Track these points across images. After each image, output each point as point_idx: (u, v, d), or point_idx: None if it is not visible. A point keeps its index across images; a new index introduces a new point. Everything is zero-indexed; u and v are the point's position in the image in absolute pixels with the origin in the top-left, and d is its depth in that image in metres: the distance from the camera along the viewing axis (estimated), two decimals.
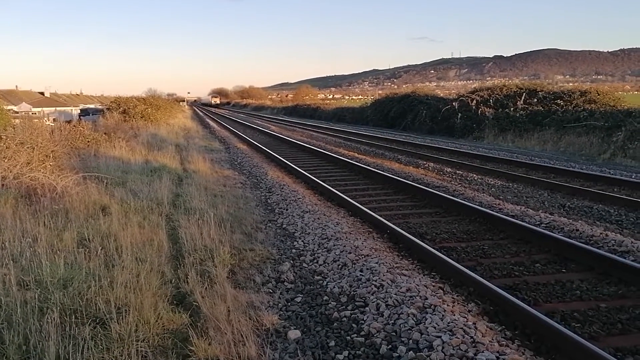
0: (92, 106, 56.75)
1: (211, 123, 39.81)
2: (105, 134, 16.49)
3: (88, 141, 14.33)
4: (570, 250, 5.58)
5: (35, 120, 16.87)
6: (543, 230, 6.26)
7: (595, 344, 3.58)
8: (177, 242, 6.07)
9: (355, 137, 23.09)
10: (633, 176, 10.99)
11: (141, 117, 25.88)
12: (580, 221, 7.11)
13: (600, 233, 6.28)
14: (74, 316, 3.78)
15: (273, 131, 27.30)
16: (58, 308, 3.86)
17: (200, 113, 69.08)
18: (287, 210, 8.19)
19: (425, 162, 13.79)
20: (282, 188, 9.97)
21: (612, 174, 11.19)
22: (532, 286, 4.86)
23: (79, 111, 47.05)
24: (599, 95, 20.74)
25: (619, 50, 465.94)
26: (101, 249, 5.19)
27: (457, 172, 12.06)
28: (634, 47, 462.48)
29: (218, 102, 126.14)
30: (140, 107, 27.82)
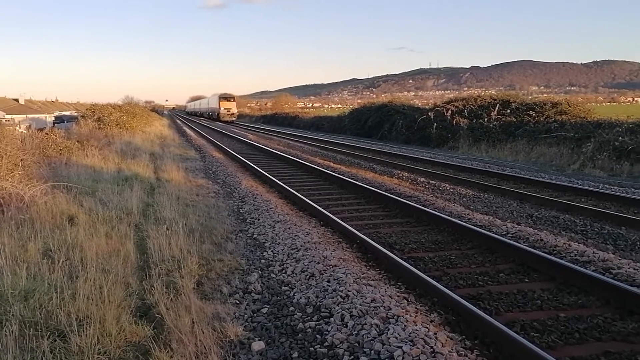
0: (67, 113, 56.00)
1: (188, 131, 39.55)
2: (78, 142, 16.28)
3: (60, 149, 14.13)
4: (533, 260, 5.70)
5: (7, 127, 16.57)
6: (508, 241, 6.38)
7: (552, 353, 3.66)
8: (144, 252, 6.02)
9: (331, 146, 23.19)
10: (600, 187, 11.26)
11: (116, 125, 25.60)
12: (545, 231, 7.26)
13: (564, 243, 6.43)
14: (33, 329, 3.74)
15: (250, 140, 27.26)
16: (18, 320, 3.81)
17: (179, 121, 69.46)
18: (258, 220, 8.19)
19: (399, 172, 13.92)
20: (255, 197, 9.97)
21: (580, 185, 11.45)
22: (495, 296, 4.95)
23: (53, 118, 46.37)
24: (569, 106, 21.26)
25: (592, 62, 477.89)
26: (66, 260, 5.13)
27: (431, 181, 12.21)
28: (607, 59, 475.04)
29: (233, 111, 63.48)
30: (116, 115, 27.53)
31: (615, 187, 11.22)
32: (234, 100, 64.57)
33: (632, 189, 11.02)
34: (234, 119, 62.58)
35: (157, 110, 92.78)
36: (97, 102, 35.67)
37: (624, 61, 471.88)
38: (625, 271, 5.36)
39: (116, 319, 3.94)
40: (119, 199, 8.46)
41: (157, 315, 4.22)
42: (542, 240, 6.62)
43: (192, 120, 74.64)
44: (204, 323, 4.16)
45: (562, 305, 4.71)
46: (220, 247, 6.55)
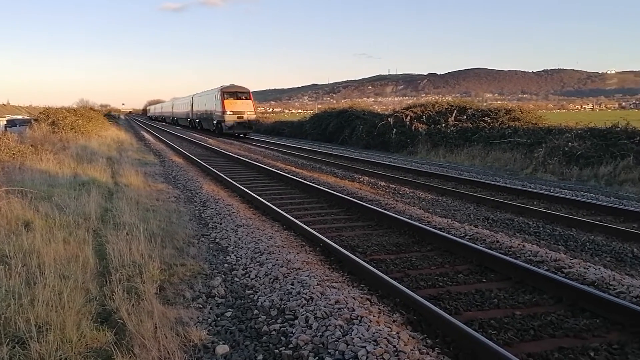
0: (19, 117, 53.95)
1: (146, 135, 38.80)
2: (32, 146, 15.74)
3: (13, 153, 13.63)
4: (490, 260, 5.90)
5: None
6: (466, 242, 6.58)
7: (509, 350, 3.81)
8: (104, 258, 5.90)
9: (293, 150, 23.23)
10: (551, 190, 11.72)
11: (71, 129, 24.87)
12: (501, 233, 7.52)
13: (519, 244, 6.67)
14: None
15: (210, 144, 26.98)
16: None
17: (135, 125, 66.90)
18: (221, 224, 8.14)
19: (360, 176, 14.08)
20: (217, 202, 9.90)
21: (533, 188, 11.88)
22: (454, 296, 5.10)
23: (4, 122, 44.71)
24: (522, 113, 22.05)
25: (542, 70, 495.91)
26: (22, 266, 4.97)
27: (391, 185, 12.41)
28: (557, 68, 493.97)
29: (249, 117, 35.06)
30: (71, 119, 26.75)
31: (566, 191, 11.69)
32: (248, 98, 35.43)
33: (581, 192, 11.52)
34: (249, 130, 35.12)
35: (112, 114, 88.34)
36: (51, 106, 34.66)
37: (573, 70, 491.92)
38: (576, 270, 5.62)
39: (76, 325, 3.86)
40: (76, 204, 8.24)
41: (118, 320, 4.15)
42: (498, 241, 6.85)
43: (152, 125, 70.23)
44: (167, 328, 4.12)
45: (517, 303, 4.90)
46: (182, 251, 6.48)
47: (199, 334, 4.15)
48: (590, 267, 5.72)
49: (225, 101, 34.51)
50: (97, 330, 3.97)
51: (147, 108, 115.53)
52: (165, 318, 4.32)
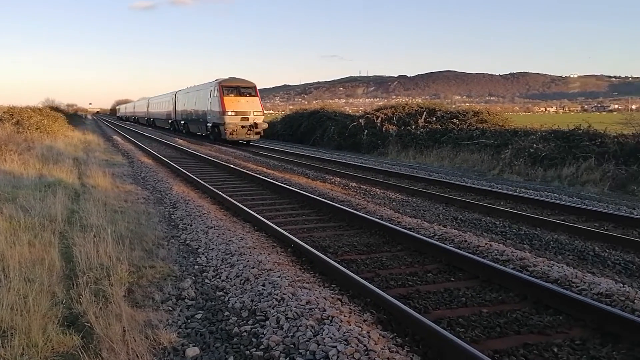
0: None
1: (114, 136, 38.09)
2: None
3: None
4: (459, 260, 6.02)
5: None
6: (436, 242, 6.69)
7: (476, 347, 3.90)
8: (71, 261, 5.78)
9: (264, 151, 23.16)
10: (517, 190, 12.00)
11: (36, 129, 24.23)
12: (469, 233, 7.66)
13: (486, 243, 6.82)
14: None
15: (180, 144, 26.65)
16: None
17: (103, 125, 65.69)
18: (191, 225, 8.07)
19: (332, 177, 14.14)
20: (187, 203, 9.80)
21: (500, 189, 12.14)
22: (423, 295, 5.18)
23: None
24: (489, 115, 22.50)
25: (509, 74, 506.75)
26: None
27: (362, 186, 12.51)
28: (522, 71, 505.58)
29: (257, 121, 26.74)
30: (36, 118, 26.06)
31: (531, 191, 11.99)
32: (254, 95, 27.70)
33: (546, 193, 11.83)
34: (256, 137, 27.29)
35: (78, 114, 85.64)
36: (15, 105, 33.66)
37: (538, 73, 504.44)
38: (540, 268, 5.77)
39: (42, 329, 3.78)
40: (41, 205, 8.04)
41: (86, 324, 4.08)
42: (466, 241, 6.98)
43: (121, 125, 68.65)
44: (136, 331, 4.07)
45: (484, 301, 5.01)
46: (151, 253, 6.40)
47: (168, 336, 4.11)
48: (553, 265, 5.89)
49: (226, 98, 26.32)
50: (64, 334, 3.89)
51: (117, 108, 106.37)
52: (134, 321, 4.26)
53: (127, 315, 4.26)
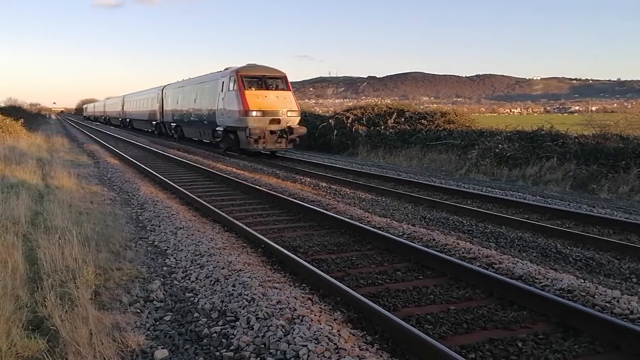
0: None
1: (79, 136, 37.23)
2: None
3: None
4: (427, 258, 6.12)
5: None
6: (404, 241, 6.78)
7: (443, 343, 3.98)
8: (35, 263, 5.64)
9: (234, 152, 22.97)
10: (483, 190, 12.25)
11: None
12: (437, 231, 7.79)
13: (453, 242, 6.94)
14: None
15: (146, 145, 26.24)
16: None
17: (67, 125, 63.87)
18: (159, 227, 7.96)
19: (302, 177, 14.15)
20: (156, 204, 9.67)
21: (467, 188, 12.37)
22: (393, 293, 5.24)
23: None
24: (456, 116, 22.89)
25: (475, 76, 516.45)
26: None
27: (332, 186, 12.56)
28: (488, 73, 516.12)
29: (291, 124, 19.19)
30: None
31: (497, 190, 12.26)
32: (286, 88, 20.53)
33: (510, 192, 12.11)
34: (289, 146, 19.86)
35: (42, 114, 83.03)
36: None
37: (503, 75, 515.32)
38: (506, 265, 5.91)
39: (6, 333, 3.68)
40: (3, 207, 7.81)
41: (51, 327, 4.00)
42: (434, 239, 7.09)
43: (87, 126, 66.66)
44: (103, 334, 4.00)
45: (452, 298, 5.11)
46: (118, 255, 6.30)
47: (136, 339, 4.06)
48: (518, 262, 6.04)
49: (248, 93, 19.01)
50: (29, 338, 3.80)
51: (84, 107, 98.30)
52: (101, 324, 4.19)
53: (94, 318, 4.18)
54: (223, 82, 20.94)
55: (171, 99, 29.87)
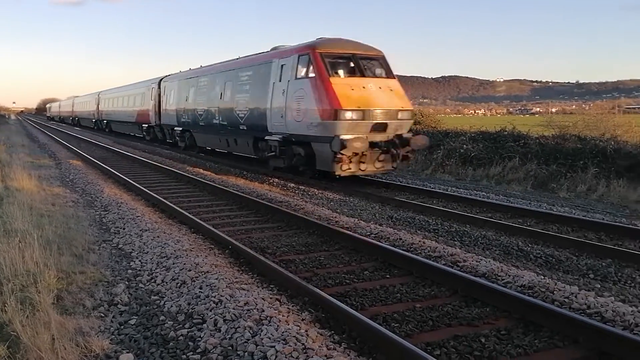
0: None
1: (39, 136, 36.18)
2: None
3: None
4: (394, 257, 6.20)
5: None
6: (372, 241, 6.85)
7: (410, 340, 4.05)
8: None
9: (202, 152, 22.70)
10: (449, 189, 12.46)
11: None
12: (403, 231, 7.90)
13: (419, 241, 7.05)
14: None
15: (111, 146, 25.70)
16: None
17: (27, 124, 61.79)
18: (124, 229, 7.82)
19: (270, 178, 14.10)
20: (120, 206, 9.49)
21: (432, 188, 12.56)
22: (360, 292, 5.29)
23: None
24: (423, 117, 23.23)
25: (440, 77, 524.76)
26: None
27: (300, 187, 12.56)
28: (453, 75, 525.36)
29: (402, 125, 12.24)
30: None
31: (461, 190, 12.50)
32: (390, 75, 12.95)
33: (475, 191, 12.37)
34: (403, 163, 12.91)
35: (0, 113, 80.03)
36: None
37: (467, 77, 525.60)
38: (470, 263, 6.05)
39: None
40: None
41: (12, 333, 3.88)
42: (401, 239, 7.19)
43: (48, 126, 64.07)
44: (66, 339, 3.91)
45: (418, 297, 5.19)
46: (81, 258, 6.16)
47: (100, 343, 3.99)
48: (481, 260, 6.18)
49: (335, 82, 12.06)
50: None
51: (47, 106, 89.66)
52: (64, 329, 4.10)
53: (56, 323, 4.08)
54: (283, 67, 13.61)
55: (176, 95, 22.41)
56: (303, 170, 13.37)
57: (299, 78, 12.85)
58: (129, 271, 5.93)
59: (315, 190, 12.10)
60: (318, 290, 4.94)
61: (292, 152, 13.35)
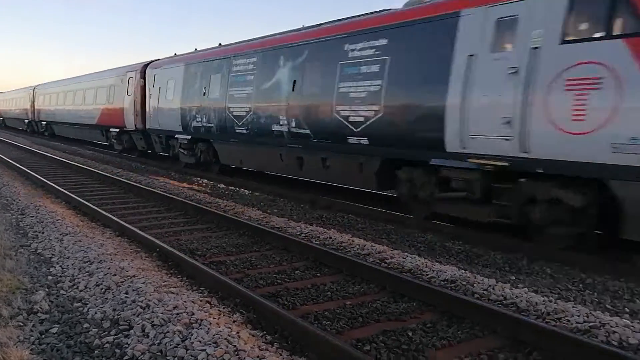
0: None
1: None
2: None
3: None
4: (324, 256, 6.30)
5: None
6: (302, 240, 6.92)
7: (340, 337, 4.14)
8: None
9: (130, 153, 21.87)
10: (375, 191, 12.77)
11: None
12: (333, 230, 8.03)
13: (349, 239, 7.21)
14: None
15: (28, 145, 24.22)
16: None
17: None
18: (43, 233, 7.42)
19: (199, 179, 13.88)
20: (38, 209, 8.98)
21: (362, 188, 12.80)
22: (292, 292, 5.34)
23: None
24: None
25: None
26: None
27: (230, 187, 12.45)
28: None
29: None
30: None
31: (389, 192, 12.83)
32: None
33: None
34: None
35: None
36: None
37: None
38: (397, 260, 6.25)
39: None
40: None
41: None
42: (331, 237, 7.31)
43: None
44: None
45: (348, 294, 5.31)
46: None
47: (20, 354, 3.78)
48: (407, 256, 6.42)
49: None
50: None
51: None
52: None
53: None
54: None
55: (179, 87, 15.50)
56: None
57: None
58: (49, 277, 5.64)
59: (245, 191, 12.03)
60: (249, 292, 4.93)
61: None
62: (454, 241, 7.68)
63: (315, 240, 7.18)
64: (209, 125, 13.85)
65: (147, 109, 17.41)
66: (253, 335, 4.12)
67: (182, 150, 15.64)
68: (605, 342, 4.08)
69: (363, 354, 3.82)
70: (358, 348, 4.04)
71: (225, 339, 3.90)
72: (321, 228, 8.06)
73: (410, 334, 4.39)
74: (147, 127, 17.58)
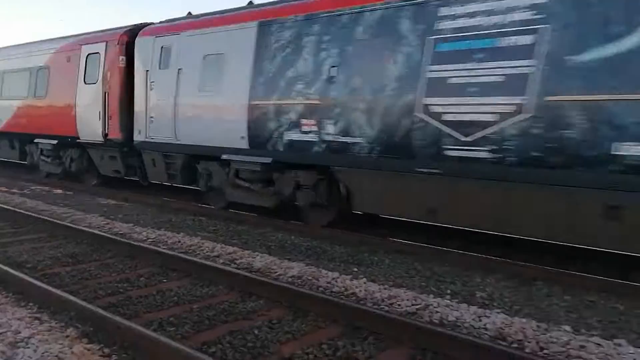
0: None
1: None
2: None
3: None
4: (171, 260, 6.13)
5: None
6: (148, 246, 6.67)
7: (185, 342, 4.06)
8: None
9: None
10: None
11: None
12: (182, 233, 7.84)
13: (198, 242, 7.11)
14: None
15: None
16: None
17: None
18: None
19: (31, 185, 12.61)
20: None
21: None
22: (135, 300, 5.10)
23: None
24: None
25: None
26: None
27: (67, 193, 11.51)
28: None
29: None
30: None
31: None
32: None
33: None
34: None
35: None
36: None
37: None
38: (246, 260, 6.32)
39: None
40: None
41: None
42: (180, 241, 7.15)
43: None
44: None
45: (195, 297, 5.22)
46: None
47: None
48: (257, 255, 6.52)
49: None
50: None
51: None
52: None
53: None
54: None
55: (202, 75, 9.80)
56: None
57: None
58: None
59: (86, 198, 11.20)
60: (85, 304, 4.61)
61: None
62: (304, 238, 7.95)
63: (163, 245, 6.96)
64: (339, 138, 7.90)
65: (138, 109, 11.00)
66: (88, 350, 3.87)
67: (243, 182, 9.36)
68: (429, 321, 4.55)
69: (208, 357, 3.79)
70: (203, 351, 4.00)
71: (56, 356, 3.63)
72: (170, 232, 7.82)
73: (256, 331, 4.45)
74: (137, 139, 11.15)
